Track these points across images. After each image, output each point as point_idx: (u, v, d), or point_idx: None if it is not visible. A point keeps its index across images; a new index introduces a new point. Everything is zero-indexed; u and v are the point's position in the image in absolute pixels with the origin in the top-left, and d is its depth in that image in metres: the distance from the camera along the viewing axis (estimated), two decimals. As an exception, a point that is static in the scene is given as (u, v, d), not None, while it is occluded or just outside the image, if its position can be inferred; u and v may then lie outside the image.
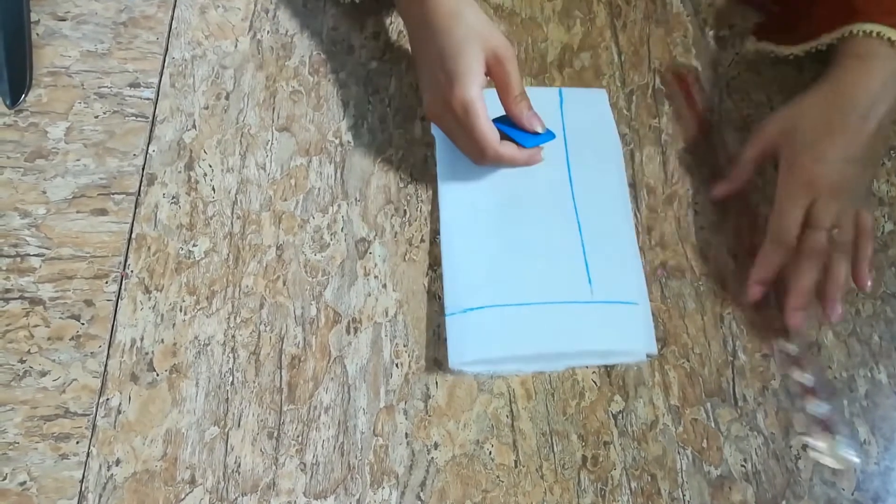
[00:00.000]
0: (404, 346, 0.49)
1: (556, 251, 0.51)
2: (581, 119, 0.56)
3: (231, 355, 0.47)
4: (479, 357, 0.47)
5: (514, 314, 0.48)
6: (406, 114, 0.56)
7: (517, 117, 0.48)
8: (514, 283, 0.50)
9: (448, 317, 0.48)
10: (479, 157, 0.48)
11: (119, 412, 0.45)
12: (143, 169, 0.52)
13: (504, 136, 0.48)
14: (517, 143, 0.49)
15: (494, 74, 0.47)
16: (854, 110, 0.49)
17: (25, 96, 0.53)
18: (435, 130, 0.54)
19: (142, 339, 0.47)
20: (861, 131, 0.49)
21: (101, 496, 0.43)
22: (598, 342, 0.49)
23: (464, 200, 0.52)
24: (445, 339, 0.48)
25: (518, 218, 0.52)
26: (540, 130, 0.49)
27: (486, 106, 0.46)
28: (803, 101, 0.51)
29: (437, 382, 0.48)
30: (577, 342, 0.49)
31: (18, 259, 0.48)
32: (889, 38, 0.49)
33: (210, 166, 0.53)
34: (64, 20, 0.56)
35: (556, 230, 0.52)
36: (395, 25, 0.60)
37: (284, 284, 0.50)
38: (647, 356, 0.49)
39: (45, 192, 0.50)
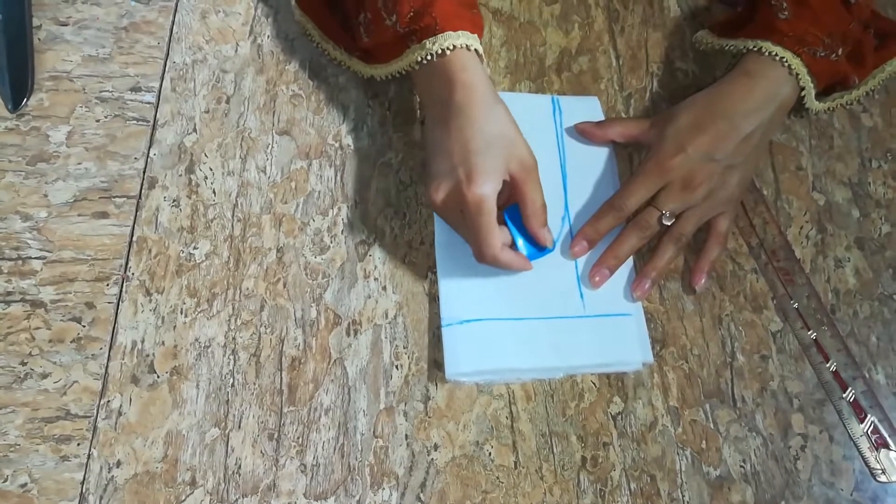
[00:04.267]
0: (404, 347, 0.49)
1: (548, 265, 0.51)
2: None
3: (231, 357, 0.47)
4: (475, 369, 0.47)
5: (510, 328, 0.49)
6: (405, 117, 0.56)
7: (535, 229, 0.48)
8: (508, 297, 0.50)
9: (444, 328, 0.48)
10: (477, 254, 0.47)
11: (120, 414, 0.45)
12: (143, 172, 0.52)
13: (512, 220, 0.49)
14: (514, 242, 0.48)
15: (517, 182, 0.46)
16: (726, 117, 0.51)
17: (27, 100, 0.53)
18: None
19: (142, 342, 0.47)
20: (728, 136, 0.50)
21: (101, 498, 0.43)
22: (593, 356, 0.49)
23: None
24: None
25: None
26: (549, 245, 0.49)
27: (496, 208, 0.45)
28: (683, 103, 0.53)
29: (436, 384, 0.48)
30: (572, 357, 0.49)
31: (20, 262, 0.49)
32: (788, 64, 0.51)
33: (211, 169, 0.53)
34: (65, 25, 0.56)
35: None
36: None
37: (285, 287, 0.50)
38: (643, 364, 0.50)
39: (46, 196, 0.51)
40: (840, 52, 0.53)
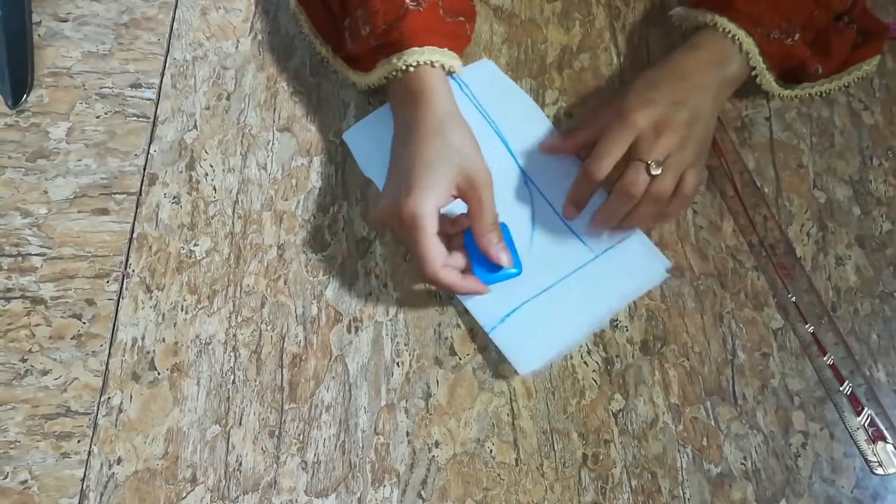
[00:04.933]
0: (405, 344, 0.49)
1: (543, 232, 0.52)
2: (489, 93, 0.57)
3: (232, 354, 0.47)
4: (541, 354, 0.49)
5: (544, 302, 0.50)
6: (406, 114, 0.56)
7: (485, 246, 0.46)
8: (526, 276, 0.50)
9: (491, 332, 0.48)
10: (419, 272, 0.46)
11: (120, 411, 0.45)
12: (144, 169, 0.52)
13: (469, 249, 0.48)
14: (474, 269, 0.47)
15: (467, 199, 0.46)
16: (680, 76, 0.51)
17: (27, 97, 0.53)
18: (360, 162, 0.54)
19: (143, 338, 0.47)
20: (689, 90, 0.50)
21: (102, 494, 0.43)
22: (623, 287, 0.51)
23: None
24: (447, 339, 0.49)
25: None
26: (504, 263, 0.47)
27: (436, 224, 0.44)
28: (634, 79, 0.53)
29: (437, 381, 0.48)
30: (608, 299, 0.51)
31: (20, 258, 0.48)
32: (739, 42, 0.51)
33: (211, 166, 0.53)
34: (65, 21, 0.56)
35: (525, 209, 0.53)
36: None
37: (285, 284, 0.50)
38: (667, 271, 0.52)
39: (46, 192, 0.51)
40: (797, 37, 0.52)
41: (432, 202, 0.44)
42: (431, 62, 0.48)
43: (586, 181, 0.50)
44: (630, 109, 0.49)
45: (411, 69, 0.47)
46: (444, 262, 0.45)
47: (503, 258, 0.47)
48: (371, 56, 0.50)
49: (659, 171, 0.48)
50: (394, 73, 0.48)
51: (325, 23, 0.56)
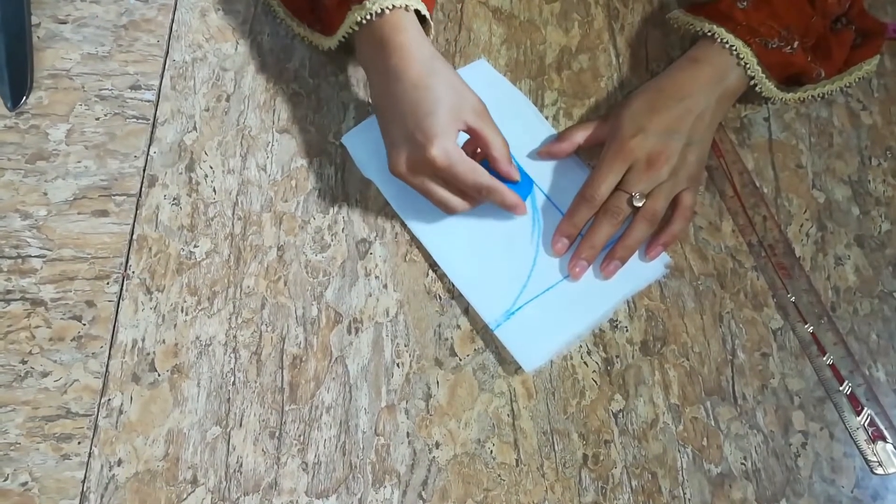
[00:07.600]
0: (405, 345, 0.49)
1: (540, 226, 0.53)
2: (486, 92, 0.56)
3: (232, 355, 0.47)
4: (545, 351, 0.49)
5: (548, 299, 0.51)
6: (406, 115, 0.56)
7: (505, 169, 0.48)
8: (528, 273, 0.51)
9: (496, 329, 0.49)
10: (473, 196, 0.48)
11: (121, 412, 0.45)
12: (143, 170, 0.52)
13: None
14: None
15: (475, 130, 0.47)
16: (678, 98, 0.52)
17: (26, 98, 0.53)
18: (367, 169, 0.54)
19: (143, 340, 0.47)
20: (683, 116, 0.51)
21: (102, 496, 0.43)
22: (623, 284, 0.51)
23: (437, 227, 0.52)
24: (447, 340, 0.49)
25: (489, 215, 0.52)
26: (517, 178, 0.50)
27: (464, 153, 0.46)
28: (635, 91, 0.54)
29: (438, 381, 0.48)
30: (609, 295, 0.51)
31: (20, 260, 0.48)
32: (737, 52, 0.52)
33: (211, 168, 0.53)
34: (65, 23, 0.56)
35: (527, 207, 0.53)
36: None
37: (285, 285, 0.50)
38: (666, 266, 0.52)
39: (46, 194, 0.51)
40: (796, 45, 0.53)
41: (452, 140, 0.46)
42: (406, 7, 0.47)
43: (583, 204, 0.52)
44: (626, 137, 0.51)
45: (387, 11, 0.47)
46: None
47: (514, 173, 0.49)
48: (341, 7, 0.50)
49: (641, 203, 0.51)
50: (367, 16, 0.47)
51: (298, 6, 0.56)
